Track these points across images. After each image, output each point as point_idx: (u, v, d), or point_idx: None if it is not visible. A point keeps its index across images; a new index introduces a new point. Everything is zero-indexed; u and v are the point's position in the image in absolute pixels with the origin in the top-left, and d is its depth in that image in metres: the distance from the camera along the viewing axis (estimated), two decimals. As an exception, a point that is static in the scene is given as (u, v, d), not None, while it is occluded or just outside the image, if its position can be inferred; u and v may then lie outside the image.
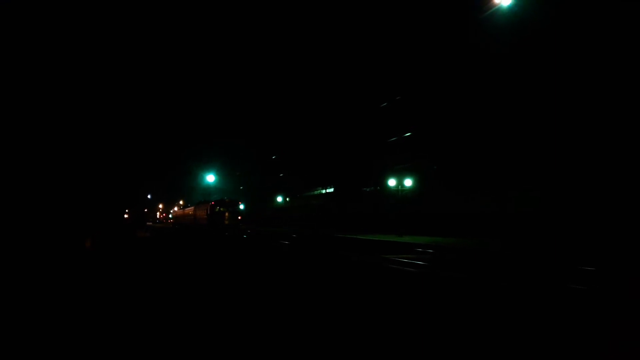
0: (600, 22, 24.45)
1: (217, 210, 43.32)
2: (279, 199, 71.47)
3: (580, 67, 25.64)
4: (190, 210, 57.67)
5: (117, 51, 28.66)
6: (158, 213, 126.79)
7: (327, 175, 60.81)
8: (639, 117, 23.08)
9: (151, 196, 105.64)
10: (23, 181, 19.04)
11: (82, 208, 21.80)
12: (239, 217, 45.43)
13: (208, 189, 75.34)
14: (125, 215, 53.16)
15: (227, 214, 42.80)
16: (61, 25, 21.16)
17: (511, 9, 23.20)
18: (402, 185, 33.19)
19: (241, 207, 48.30)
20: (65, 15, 21.30)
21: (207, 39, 75.78)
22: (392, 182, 33.42)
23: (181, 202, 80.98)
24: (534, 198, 27.20)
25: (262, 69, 75.50)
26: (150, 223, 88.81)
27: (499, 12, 23.37)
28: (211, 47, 76.07)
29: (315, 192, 68.17)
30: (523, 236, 25.07)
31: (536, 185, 27.41)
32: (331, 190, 61.72)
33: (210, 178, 70.56)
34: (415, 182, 34.71)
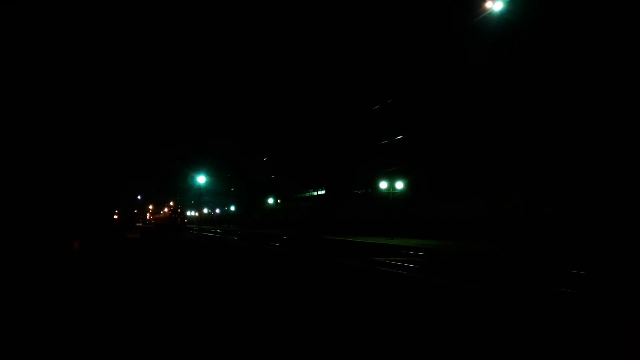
0: (584, 31, 24.82)
1: (173, 216, 67.31)
2: (270, 200, 71.39)
3: (561, 75, 26.14)
4: (161, 215, 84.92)
5: (119, 53, 28.31)
6: (148, 214, 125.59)
7: (318, 178, 60.87)
8: (617, 119, 23.58)
9: (141, 197, 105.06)
10: (9, 181, 18.77)
11: (69, 209, 21.50)
12: (185, 220, 73.31)
13: (199, 190, 77.68)
14: (115, 217, 52.80)
15: (178, 219, 66.03)
16: (45, 23, 20.85)
17: (503, 14, 23.38)
18: (394, 188, 33.10)
19: (192, 212, 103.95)
20: (49, 12, 20.97)
21: (206, 42, 76.05)
22: (383, 185, 33.35)
23: (171, 204, 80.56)
24: (522, 202, 27.33)
25: (256, 71, 75.66)
26: (141, 224, 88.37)
27: (491, 16, 23.55)
28: (207, 50, 76.22)
29: (307, 194, 68.24)
30: (514, 239, 25.19)
31: (527, 189, 27.56)
32: (323, 192, 61.79)
33: (201, 179, 70.56)
34: (407, 185, 34.67)
